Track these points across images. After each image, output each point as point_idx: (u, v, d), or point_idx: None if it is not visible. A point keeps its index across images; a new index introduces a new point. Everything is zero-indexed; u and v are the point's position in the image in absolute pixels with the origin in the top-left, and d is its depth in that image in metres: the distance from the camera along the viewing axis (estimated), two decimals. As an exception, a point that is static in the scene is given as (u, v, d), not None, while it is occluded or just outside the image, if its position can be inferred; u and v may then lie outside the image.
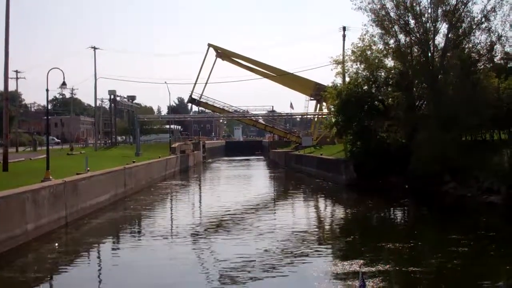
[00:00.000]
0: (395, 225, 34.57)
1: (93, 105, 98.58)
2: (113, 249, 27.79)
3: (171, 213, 40.95)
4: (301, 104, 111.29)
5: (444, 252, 23.40)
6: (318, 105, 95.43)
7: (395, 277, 20.18)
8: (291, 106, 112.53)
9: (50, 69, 34.55)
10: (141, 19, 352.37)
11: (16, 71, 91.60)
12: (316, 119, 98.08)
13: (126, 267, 23.05)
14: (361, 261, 21.49)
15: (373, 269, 20.44)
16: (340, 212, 40.78)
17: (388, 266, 21.14)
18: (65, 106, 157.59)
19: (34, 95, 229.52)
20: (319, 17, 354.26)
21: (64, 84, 36.30)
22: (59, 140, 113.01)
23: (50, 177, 32.41)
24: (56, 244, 27.18)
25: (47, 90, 34.02)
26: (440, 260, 22.16)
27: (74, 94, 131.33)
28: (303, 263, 22.78)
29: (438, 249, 24.23)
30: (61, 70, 34.99)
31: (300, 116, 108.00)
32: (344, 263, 21.57)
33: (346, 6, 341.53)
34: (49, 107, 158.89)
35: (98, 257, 25.87)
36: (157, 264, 23.10)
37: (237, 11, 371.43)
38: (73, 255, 25.26)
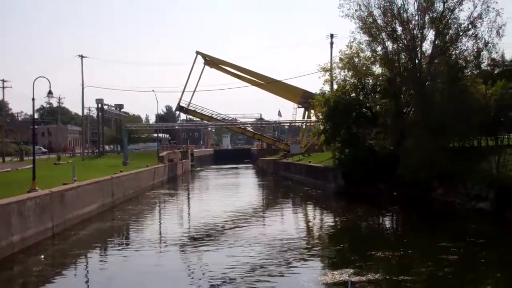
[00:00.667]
0: (384, 233, 34.59)
1: (80, 114, 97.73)
2: (100, 260, 27.41)
3: (160, 223, 40.63)
4: (289, 112, 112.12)
5: (434, 260, 23.30)
6: (306, 112, 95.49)
7: (385, 286, 20.03)
8: (279, 114, 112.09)
9: (36, 78, 34.25)
10: (129, 28, 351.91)
11: (3, 80, 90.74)
12: (304, 126, 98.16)
13: (114, 279, 22.72)
14: (351, 270, 21.35)
15: (363, 278, 20.29)
16: (329, 220, 40.67)
17: (378, 275, 20.98)
18: (53, 115, 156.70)
19: (21, 104, 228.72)
20: (307, 25, 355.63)
21: (50, 93, 35.94)
22: (46, 150, 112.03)
23: (36, 188, 32.02)
24: (42, 256, 26.77)
25: (33, 99, 33.69)
26: (430, 268, 22.08)
27: (62, 103, 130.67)
28: (292, 272, 22.63)
29: (428, 257, 24.13)
30: (47, 78, 34.69)
31: (288, 124, 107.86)
32: (334, 272, 21.40)
33: (333, 13, 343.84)
34: (36, 116, 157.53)
35: (85, 269, 25.50)
36: (145, 276, 22.83)
37: (225, 19, 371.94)
38: (59, 267, 24.93)
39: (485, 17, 47.15)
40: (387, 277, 20.89)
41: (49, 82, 35.06)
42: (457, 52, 48.85)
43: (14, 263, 24.86)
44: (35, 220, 28.93)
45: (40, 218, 29.66)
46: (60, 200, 33.17)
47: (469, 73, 49.19)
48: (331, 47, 68.07)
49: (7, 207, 26.03)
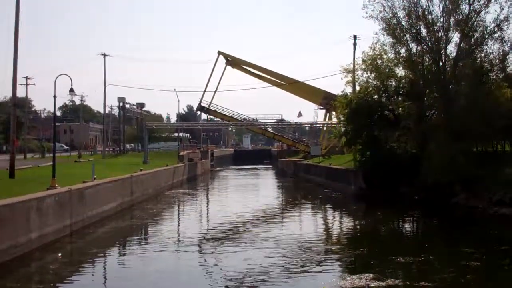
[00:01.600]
0: (405, 237, 34.07)
1: (102, 112, 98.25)
2: (118, 259, 27.32)
3: (178, 223, 40.49)
4: (310, 113, 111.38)
5: (456, 266, 22.82)
6: (328, 114, 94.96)
7: (405, 292, 19.61)
8: (300, 114, 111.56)
9: (58, 75, 34.37)
10: (152, 26, 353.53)
11: (26, 77, 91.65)
12: (325, 128, 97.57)
13: (131, 278, 22.58)
14: (370, 275, 20.89)
15: (383, 283, 19.87)
16: (348, 223, 40.16)
17: (398, 280, 20.56)
18: (75, 113, 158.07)
19: (44, 101, 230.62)
20: (330, 26, 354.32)
21: (72, 90, 36.04)
22: (67, 147, 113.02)
23: (56, 185, 32.07)
24: (60, 254, 26.67)
25: (54, 96, 33.70)
26: (452, 274, 21.56)
27: (84, 101, 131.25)
28: (311, 276, 22.34)
29: (450, 263, 23.63)
30: (69, 76, 34.80)
31: (309, 125, 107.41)
32: (353, 276, 21.00)
33: (357, 14, 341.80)
34: (59, 114, 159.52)
35: (103, 268, 25.43)
36: (163, 275, 22.71)
37: (248, 19, 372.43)
38: (76, 265, 24.78)
39: (512, 20, 46.44)
40: (408, 283, 20.40)
41: (71, 80, 35.20)
42: (482, 55, 48.19)
43: (32, 260, 24.80)
44: (54, 218, 28.92)
45: (58, 215, 29.65)
46: (79, 197, 33.17)
47: (494, 76, 48.47)
48: (354, 48, 67.73)
49: (26, 204, 26.04)
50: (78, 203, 32.82)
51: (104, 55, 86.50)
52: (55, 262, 25.18)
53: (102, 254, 27.68)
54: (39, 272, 23.47)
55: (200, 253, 27.64)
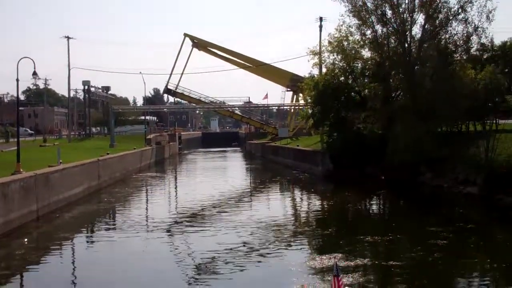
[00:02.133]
0: (372, 217, 34.58)
1: (67, 95, 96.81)
2: (86, 244, 27.09)
3: (146, 206, 40.25)
4: (277, 95, 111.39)
5: (424, 245, 23.12)
6: (295, 96, 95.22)
7: (374, 271, 19.85)
8: (266, 97, 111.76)
9: (21, 58, 33.75)
10: (115, 8, 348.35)
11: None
12: (292, 110, 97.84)
13: (99, 263, 22.39)
14: (339, 255, 21.12)
15: (351, 263, 20.12)
16: (316, 204, 40.41)
17: (366, 260, 20.82)
18: (39, 97, 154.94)
19: (6, 85, 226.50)
20: (297, 8, 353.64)
21: (35, 73, 35.39)
22: (32, 132, 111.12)
23: (21, 170, 31.59)
24: (26, 240, 26.32)
25: (17, 80, 33.19)
26: (420, 253, 21.89)
27: (48, 85, 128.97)
28: (280, 256, 22.43)
29: (417, 242, 23.95)
30: (32, 59, 34.20)
31: (276, 107, 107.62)
32: (322, 256, 21.19)
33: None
34: (22, 98, 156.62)
35: (70, 253, 25.03)
36: (132, 259, 22.64)
37: (213, 0, 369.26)
38: (43, 250, 24.48)
39: (475, 2, 47.04)
40: (376, 262, 20.71)
41: (34, 63, 34.55)
42: (447, 36, 48.61)
43: (-3, 246, 24.46)
44: (19, 203, 28.48)
45: (24, 200, 29.22)
46: (45, 182, 32.72)
47: (459, 57, 49.04)
48: (320, 30, 67.90)
49: (-10, 189, 25.60)
50: (44, 187, 32.38)
51: (68, 37, 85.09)
52: (21, 247, 24.83)
53: (70, 239, 27.28)
54: (5, 258, 23.03)
55: (169, 237, 27.52)
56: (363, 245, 23.47)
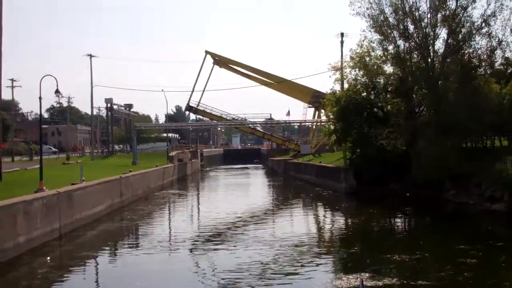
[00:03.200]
0: (399, 235, 33.85)
1: (90, 113, 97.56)
2: (108, 262, 26.88)
3: (169, 224, 40.12)
4: (299, 112, 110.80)
5: (453, 264, 22.46)
6: (317, 112, 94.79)
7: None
8: (288, 113, 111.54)
9: (43, 76, 33.96)
10: (139, 27, 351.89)
11: (12, 80, 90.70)
12: (314, 126, 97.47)
13: (122, 282, 22.21)
14: (365, 274, 20.59)
15: (379, 282, 19.54)
16: (341, 221, 39.81)
17: (395, 279, 20.25)
18: (62, 115, 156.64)
19: (31, 104, 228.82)
20: (317, 24, 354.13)
21: (57, 91, 35.54)
22: (56, 150, 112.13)
23: (44, 188, 31.64)
24: (48, 258, 26.21)
25: (40, 98, 33.29)
26: (449, 272, 21.23)
27: (71, 103, 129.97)
28: (304, 275, 22.02)
29: (446, 261, 23.22)
30: (54, 77, 34.36)
31: (298, 124, 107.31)
32: (348, 276, 20.68)
33: (344, 12, 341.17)
34: (46, 116, 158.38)
35: (92, 271, 24.92)
36: (155, 278, 22.33)
37: (235, 17, 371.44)
38: (65, 269, 24.30)
39: (499, 15, 46.80)
40: (404, 281, 20.08)
41: (57, 81, 34.73)
42: (470, 50, 48.20)
43: (20, 265, 24.32)
44: (42, 221, 28.44)
45: (47, 218, 29.17)
46: (68, 200, 32.71)
47: (483, 72, 48.50)
48: (342, 46, 67.58)
49: (13, 207, 25.59)
50: (67, 205, 32.35)
51: (91, 56, 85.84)
52: (43, 266, 24.69)
53: (92, 257, 27.16)
54: (27, 276, 22.95)
55: (192, 255, 27.28)
56: (390, 264, 22.84)
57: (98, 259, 27.08)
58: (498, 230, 32.46)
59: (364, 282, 12.79)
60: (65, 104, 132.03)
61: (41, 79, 33.73)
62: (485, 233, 31.22)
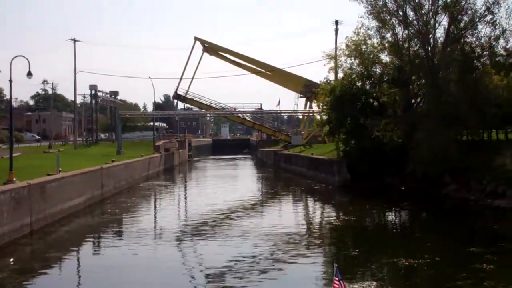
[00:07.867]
0: (401, 235, 30.57)
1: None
2: (80, 263, 24.42)
3: (154, 218, 37.86)
4: (290, 102, 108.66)
5: (469, 270, 20.11)
6: (308, 102, 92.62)
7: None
8: (278, 104, 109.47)
9: (14, 57, 31.60)
10: (125, 11, 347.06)
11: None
12: (305, 117, 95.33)
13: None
14: (373, 283, 18.40)
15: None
16: (334, 217, 36.62)
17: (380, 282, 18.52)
18: (47, 102, 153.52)
19: (16, 90, 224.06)
20: (311, 11, 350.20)
21: (30, 73, 32.58)
22: (39, 137, 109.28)
23: (14, 179, 29.14)
24: (12, 260, 23.28)
25: (10, 80, 30.79)
26: (467, 281, 18.78)
27: (55, 90, 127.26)
28: (291, 268, 21.27)
29: (461, 267, 20.77)
30: (27, 58, 31.84)
31: (288, 114, 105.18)
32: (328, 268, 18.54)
33: None
34: (31, 103, 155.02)
35: (63, 275, 22.00)
36: (137, 277, 20.66)
37: (225, 4, 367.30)
38: (28, 273, 21.26)
39: (503, 3, 45.18)
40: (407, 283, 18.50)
41: (29, 62, 31.96)
42: (473, 39, 46.22)
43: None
44: (10, 216, 25.90)
45: (15, 213, 26.66)
46: (40, 193, 30.19)
47: (486, 61, 46.48)
48: (336, 34, 65.65)
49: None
50: (39, 199, 29.90)
51: (74, 40, 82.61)
52: (3, 270, 21.63)
53: (61, 259, 24.30)
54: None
55: (179, 248, 26.20)
56: (399, 271, 20.57)
57: (70, 260, 24.65)
58: (505, 228, 30.17)
59: (338, 271, 11.67)
60: (50, 91, 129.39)
61: (12, 60, 31.50)
62: (495, 233, 28.92)
